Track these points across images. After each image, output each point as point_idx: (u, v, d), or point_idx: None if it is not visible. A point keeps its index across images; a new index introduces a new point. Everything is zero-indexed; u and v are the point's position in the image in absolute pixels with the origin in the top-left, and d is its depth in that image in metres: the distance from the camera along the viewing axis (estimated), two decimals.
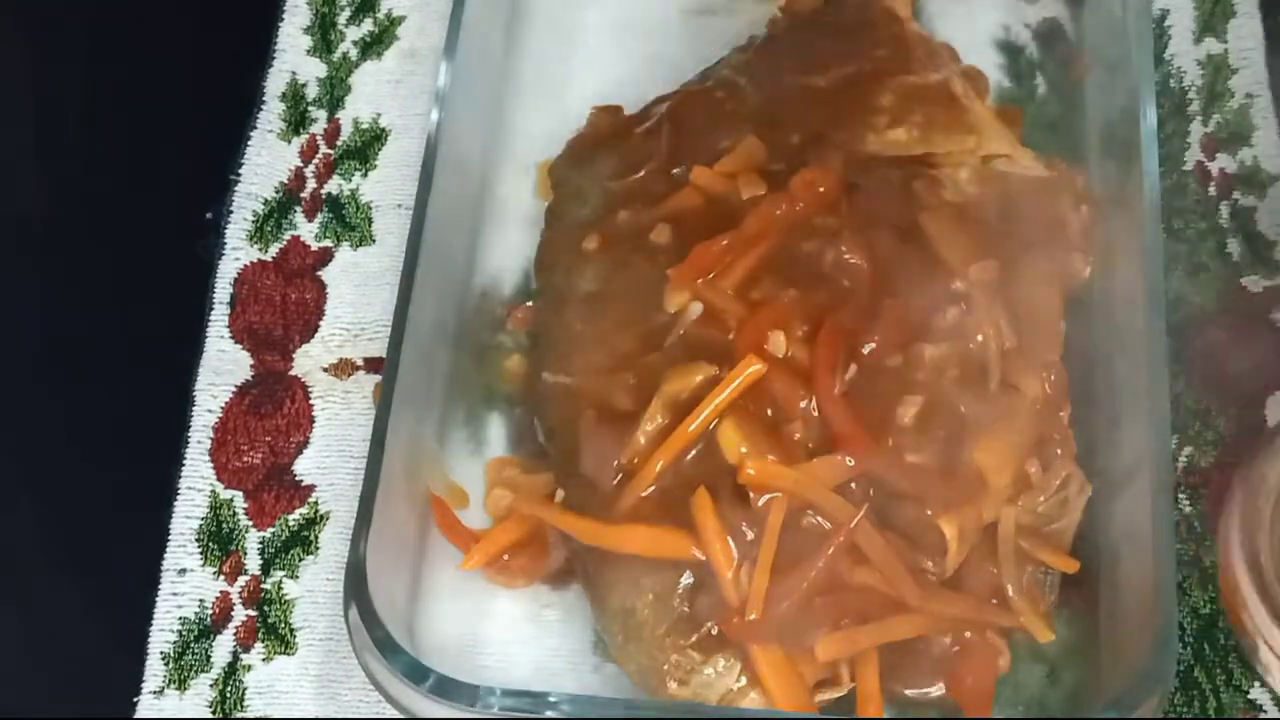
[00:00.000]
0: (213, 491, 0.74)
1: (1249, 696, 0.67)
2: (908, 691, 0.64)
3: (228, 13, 0.87)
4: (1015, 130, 0.76)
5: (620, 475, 0.65)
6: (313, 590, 0.71)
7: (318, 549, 0.72)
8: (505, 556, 0.69)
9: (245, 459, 0.74)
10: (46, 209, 0.83)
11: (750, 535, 0.63)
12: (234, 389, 0.76)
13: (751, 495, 0.63)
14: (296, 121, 0.84)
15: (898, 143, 0.73)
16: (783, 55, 0.77)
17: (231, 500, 0.73)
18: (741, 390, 0.64)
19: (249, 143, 0.83)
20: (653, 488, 0.64)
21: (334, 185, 0.82)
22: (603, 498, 0.65)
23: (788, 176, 0.70)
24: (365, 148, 0.83)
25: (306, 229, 0.81)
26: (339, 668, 0.69)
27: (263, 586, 0.71)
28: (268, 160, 0.82)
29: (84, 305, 0.80)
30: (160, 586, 0.72)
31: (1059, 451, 0.67)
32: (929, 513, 0.63)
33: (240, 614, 0.71)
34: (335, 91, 0.84)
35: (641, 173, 0.74)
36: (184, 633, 0.70)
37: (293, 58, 0.86)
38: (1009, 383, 0.67)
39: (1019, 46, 0.82)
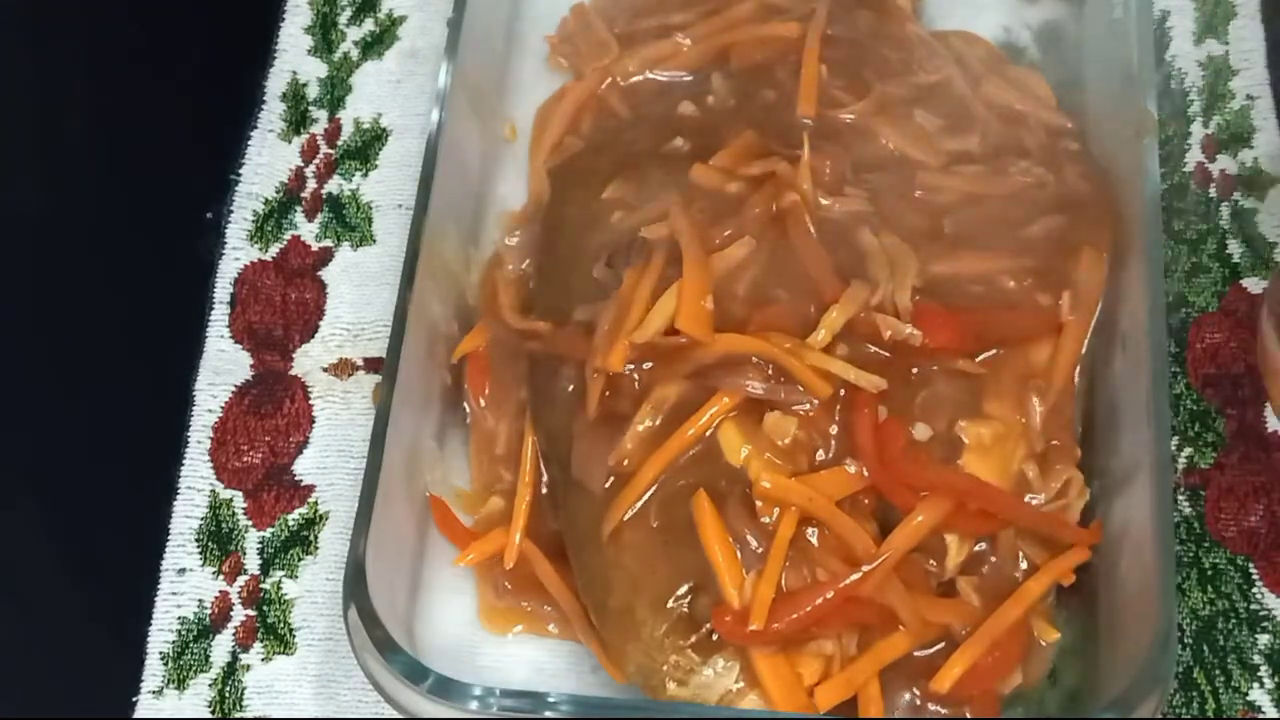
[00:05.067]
0: (212, 491, 0.74)
1: (1248, 698, 0.67)
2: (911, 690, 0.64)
3: (228, 13, 0.88)
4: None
5: (612, 479, 0.65)
6: (312, 590, 0.71)
7: (317, 549, 0.72)
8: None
9: (245, 459, 0.74)
10: (46, 209, 0.83)
11: (753, 542, 0.63)
12: (234, 389, 0.76)
13: (759, 504, 0.63)
14: (297, 121, 0.84)
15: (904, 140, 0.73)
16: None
17: (231, 500, 0.73)
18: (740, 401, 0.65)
19: (249, 142, 0.83)
20: (650, 492, 0.64)
21: (334, 185, 0.82)
22: (597, 503, 0.65)
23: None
24: (366, 147, 0.83)
25: (307, 229, 0.81)
26: (338, 668, 0.69)
27: (262, 586, 0.71)
28: (268, 160, 0.82)
29: (84, 305, 0.80)
30: (159, 586, 0.72)
31: (1060, 455, 0.67)
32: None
33: (239, 614, 0.71)
34: (336, 91, 0.85)
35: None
36: (183, 632, 0.70)
37: (294, 57, 0.86)
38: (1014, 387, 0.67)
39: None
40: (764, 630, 0.61)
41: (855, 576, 0.62)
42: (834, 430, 0.65)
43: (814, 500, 0.62)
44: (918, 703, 0.64)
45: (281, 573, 0.72)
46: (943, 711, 0.63)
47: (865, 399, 0.64)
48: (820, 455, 0.64)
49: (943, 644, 0.64)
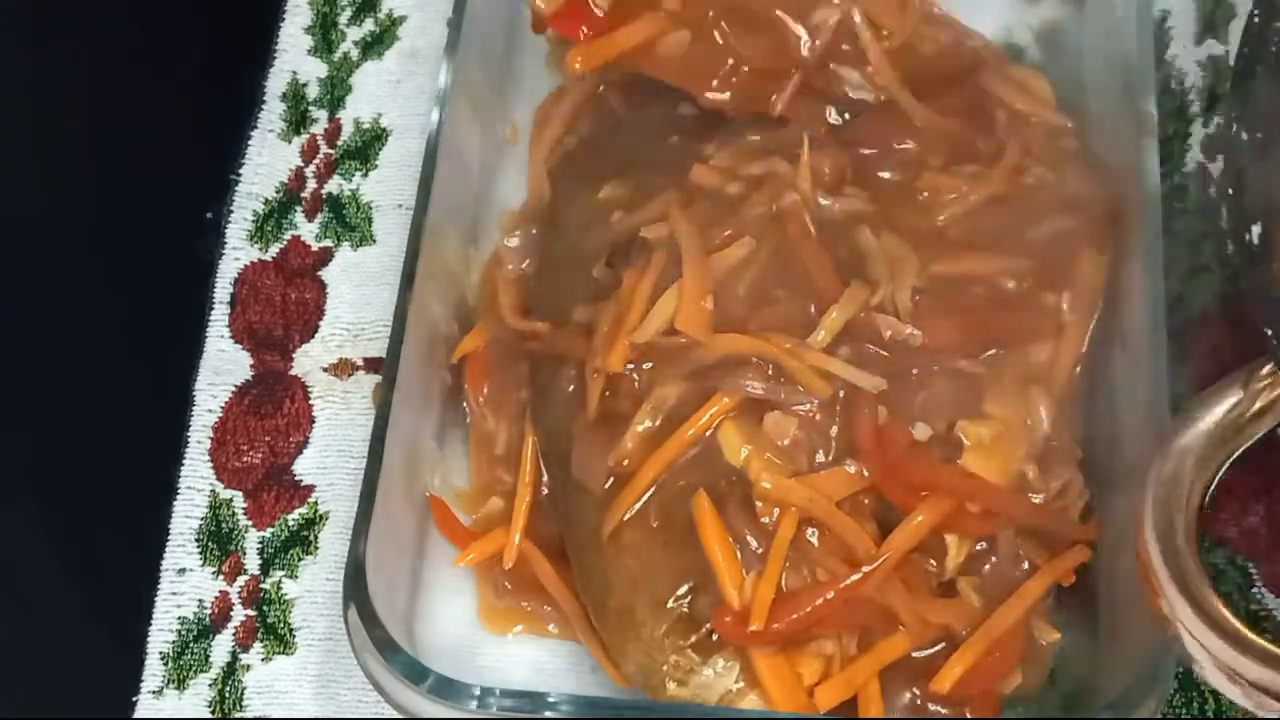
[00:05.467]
0: (212, 491, 0.74)
1: None
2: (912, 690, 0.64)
3: (228, 13, 0.88)
4: None
5: (611, 479, 0.65)
6: (312, 590, 0.71)
7: (317, 549, 0.72)
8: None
9: (245, 459, 0.74)
10: (46, 209, 0.83)
11: (753, 542, 0.63)
12: (234, 389, 0.76)
13: (759, 505, 0.63)
14: (297, 121, 0.84)
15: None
16: None
17: (231, 500, 0.73)
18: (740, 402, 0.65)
19: (249, 142, 0.83)
20: (650, 492, 0.64)
21: (334, 185, 0.82)
22: (596, 503, 0.65)
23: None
24: (366, 147, 0.83)
25: (307, 229, 0.81)
26: (338, 668, 0.69)
27: (262, 586, 0.71)
28: (268, 160, 0.82)
29: (84, 305, 0.80)
30: (159, 586, 0.72)
31: (1060, 456, 0.67)
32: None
33: (239, 614, 0.71)
34: (336, 91, 0.85)
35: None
36: (183, 632, 0.70)
37: (294, 57, 0.86)
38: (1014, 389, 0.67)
39: (1020, 47, 0.82)
40: (764, 631, 0.61)
41: (855, 577, 0.62)
42: (834, 430, 0.65)
43: (814, 500, 0.62)
44: (918, 703, 0.63)
45: (281, 573, 0.72)
46: (943, 711, 0.63)
47: (866, 399, 0.64)
48: (820, 456, 0.64)
49: (943, 644, 0.64)
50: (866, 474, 0.63)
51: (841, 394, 0.64)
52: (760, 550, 0.62)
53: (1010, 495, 0.64)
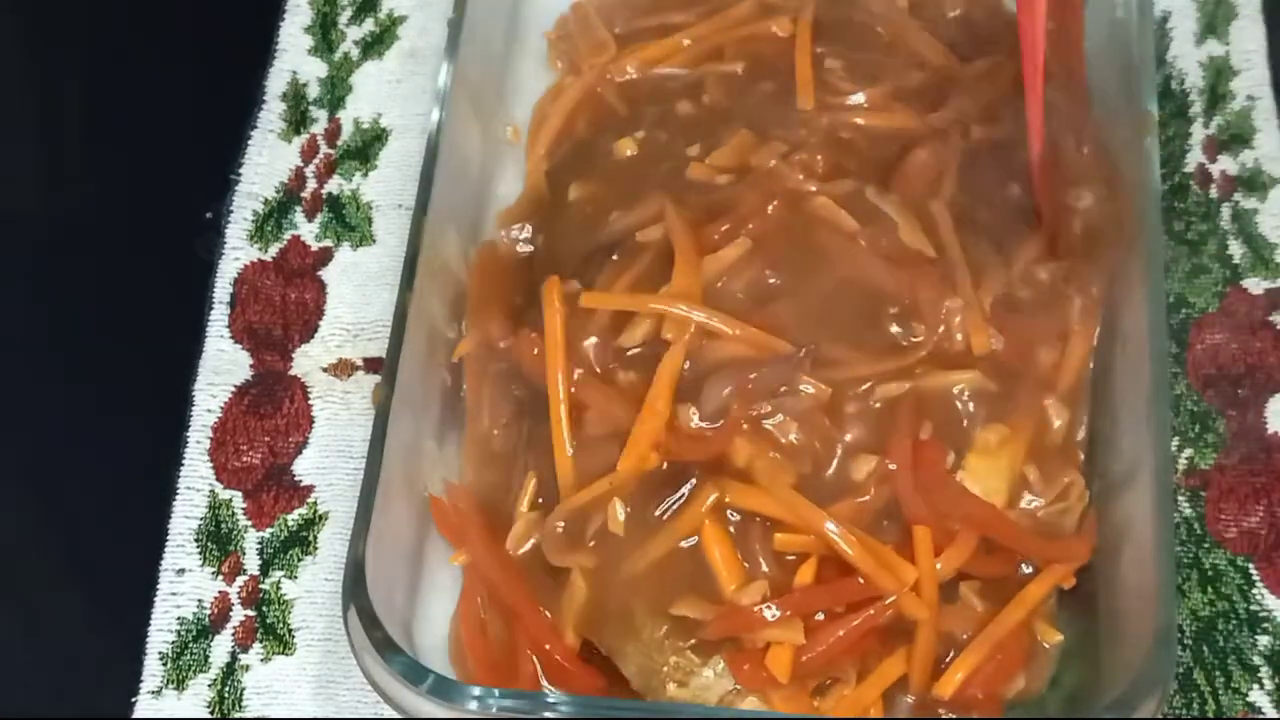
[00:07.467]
0: (212, 491, 0.74)
1: (1248, 699, 0.67)
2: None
3: (228, 13, 0.88)
4: None
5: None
6: (311, 590, 0.71)
7: (316, 549, 0.72)
8: None
9: (244, 459, 0.74)
10: (46, 209, 0.83)
11: (765, 565, 0.63)
12: (233, 389, 0.76)
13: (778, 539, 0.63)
14: (297, 121, 0.84)
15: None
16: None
17: (230, 500, 0.73)
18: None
19: (249, 142, 0.83)
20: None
21: (334, 185, 0.82)
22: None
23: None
24: (366, 148, 0.83)
25: (307, 229, 0.81)
26: (337, 668, 0.69)
27: (261, 587, 0.71)
28: (268, 160, 0.82)
29: (84, 305, 0.80)
30: (159, 586, 0.71)
31: (1062, 459, 0.66)
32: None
33: (239, 614, 0.71)
34: (336, 91, 0.85)
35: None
36: (182, 633, 0.70)
37: (294, 57, 0.86)
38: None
39: None
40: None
41: (868, 612, 0.62)
42: (849, 437, 0.64)
43: (844, 535, 0.62)
44: (922, 705, 0.63)
45: (281, 573, 0.72)
46: (946, 715, 0.63)
47: (912, 410, 0.64)
48: (822, 457, 0.64)
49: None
50: (874, 490, 0.63)
51: (878, 405, 0.64)
52: (768, 570, 0.62)
53: (1028, 534, 0.64)
